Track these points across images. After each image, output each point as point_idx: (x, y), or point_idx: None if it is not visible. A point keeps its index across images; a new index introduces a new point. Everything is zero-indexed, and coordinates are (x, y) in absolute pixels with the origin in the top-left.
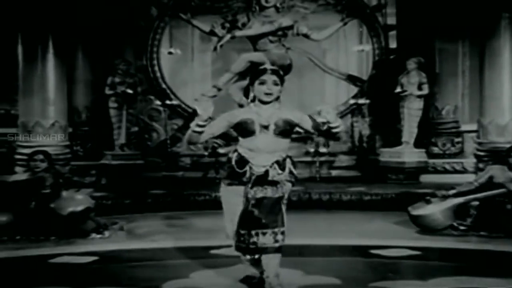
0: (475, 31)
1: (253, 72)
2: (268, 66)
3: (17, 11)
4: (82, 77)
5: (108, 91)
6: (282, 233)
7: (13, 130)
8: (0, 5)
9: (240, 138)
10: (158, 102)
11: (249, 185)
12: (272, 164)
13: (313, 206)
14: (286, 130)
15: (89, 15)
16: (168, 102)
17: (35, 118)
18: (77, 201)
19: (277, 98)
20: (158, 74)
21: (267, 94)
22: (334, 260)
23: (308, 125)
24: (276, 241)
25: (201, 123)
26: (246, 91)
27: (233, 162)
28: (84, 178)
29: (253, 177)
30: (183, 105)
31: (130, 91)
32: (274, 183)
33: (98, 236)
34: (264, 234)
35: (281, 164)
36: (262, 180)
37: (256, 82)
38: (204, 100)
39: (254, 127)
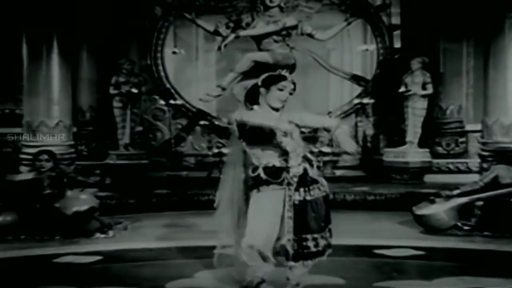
0: (480, 30)
1: (272, 76)
2: (287, 74)
3: (21, 11)
4: (87, 76)
5: (112, 91)
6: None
7: (17, 130)
8: (5, 5)
9: (252, 147)
10: (162, 102)
11: (292, 188)
12: (304, 162)
13: None
14: (299, 129)
15: (94, 15)
16: (172, 101)
17: (40, 117)
18: (81, 200)
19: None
20: (163, 74)
21: (282, 101)
22: (339, 260)
23: (309, 120)
24: (328, 245)
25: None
26: (250, 94)
27: (264, 176)
28: (88, 178)
29: (294, 178)
30: (187, 105)
31: (134, 90)
32: (316, 182)
33: (103, 235)
34: (322, 237)
35: (310, 161)
36: (304, 181)
37: (274, 87)
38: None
39: (277, 132)
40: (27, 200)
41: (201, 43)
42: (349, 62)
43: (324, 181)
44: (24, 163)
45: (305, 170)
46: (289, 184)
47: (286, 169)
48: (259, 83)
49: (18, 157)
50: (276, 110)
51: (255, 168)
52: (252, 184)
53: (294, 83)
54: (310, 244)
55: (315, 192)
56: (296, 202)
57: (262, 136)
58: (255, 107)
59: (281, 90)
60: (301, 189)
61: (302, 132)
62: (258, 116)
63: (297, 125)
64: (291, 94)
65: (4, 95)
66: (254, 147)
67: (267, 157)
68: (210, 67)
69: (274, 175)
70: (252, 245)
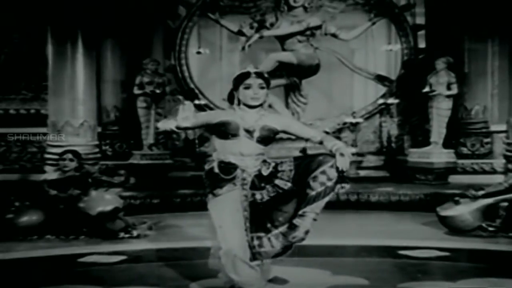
0: (505, 30)
1: (236, 76)
2: (251, 69)
3: (46, 11)
4: (111, 76)
5: (136, 91)
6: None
7: (43, 130)
8: (30, 5)
9: (217, 142)
10: (186, 102)
11: (247, 188)
12: (261, 164)
13: (341, 207)
14: (269, 138)
15: (118, 15)
16: (196, 101)
17: (65, 117)
18: (106, 201)
19: (263, 103)
20: (187, 74)
21: (253, 98)
22: (362, 261)
23: (298, 130)
24: (289, 244)
25: (175, 129)
26: (230, 96)
27: (217, 170)
28: (113, 178)
29: (248, 178)
30: (211, 105)
31: (158, 90)
32: (270, 182)
33: (127, 235)
34: (277, 235)
35: (269, 164)
36: (263, 179)
37: (241, 87)
38: (187, 109)
39: (238, 131)
40: (53, 200)
41: (225, 43)
42: (373, 62)
43: (281, 182)
44: (49, 163)
45: (259, 171)
46: (243, 184)
47: (241, 168)
48: (232, 87)
49: (43, 157)
50: (253, 107)
51: (210, 162)
52: (207, 184)
53: (263, 77)
54: (265, 242)
55: (275, 188)
56: (259, 197)
57: (224, 132)
58: (235, 107)
59: (247, 88)
60: (255, 190)
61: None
62: (227, 113)
63: (279, 132)
64: (263, 88)
65: (29, 95)
66: (219, 141)
67: (226, 153)
68: (234, 67)
69: (227, 171)
70: (229, 251)
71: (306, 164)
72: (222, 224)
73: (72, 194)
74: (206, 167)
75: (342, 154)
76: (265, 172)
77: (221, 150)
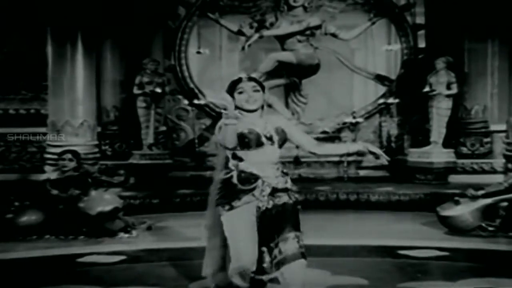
0: (504, 30)
1: (229, 84)
2: (242, 75)
3: (46, 11)
4: (111, 76)
5: (136, 91)
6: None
7: (42, 130)
8: (30, 6)
9: (240, 153)
10: (186, 102)
11: (265, 199)
12: (281, 173)
13: (340, 206)
14: (285, 140)
15: (118, 15)
16: (196, 101)
17: (64, 117)
18: (105, 200)
19: (262, 107)
20: (186, 74)
21: (248, 101)
22: (362, 261)
23: (293, 132)
24: (300, 246)
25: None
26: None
27: (236, 181)
28: (112, 178)
29: (269, 189)
30: (211, 105)
31: (158, 90)
32: (286, 190)
33: (126, 235)
34: (286, 240)
35: (285, 173)
36: (275, 190)
37: (235, 93)
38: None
39: (261, 139)
40: (52, 200)
41: (225, 43)
42: (373, 62)
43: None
44: (49, 162)
45: (278, 184)
46: (262, 195)
47: (263, 179)
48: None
49: (43, 156)
50: (252, 111)
51: (228, 172)
52: (222, 194)
53: (255, 80)
54: (277, 251)
55: (284, 198)
56: (269, 206)
57: (247, 142)
58: (239, 115)
59: (241, 93)
60: (271, 197)
61: (325, 132)
62: (240, 125)
63: (284, 130)
64: (258, 91)
65: (29, 95)
66: (242, 152)
67: (249, 163)
68: (233, 67)
69: (248, 181)
70: (242, 268)
71: None
72: (238, 238)
73: (72, 194)
74: (222, 176)
75: (370, 151)
76: (284, 184)
77: (245, 160)
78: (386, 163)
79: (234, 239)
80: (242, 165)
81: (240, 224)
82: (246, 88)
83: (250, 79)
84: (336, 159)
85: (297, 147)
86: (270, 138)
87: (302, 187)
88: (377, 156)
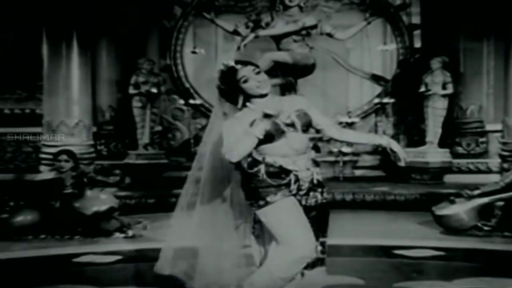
0: (500, 30)
1: (224, 79)
2: (230, 63)
3: (41, 10)
4: (106, 76)
5: (132, 91)
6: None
7: (38, 130)
8: (25, 5)
9: (263, 147)
10: (182, 102)
11: (301, 193)
12: (313, 165)
13: (336, 206)
14: (308, 123)
15: (113, 14)
16: (191, 101)
17: (60, 117)
18: (101, 200)
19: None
20: (182, 74)
21: (259, 86)
22: (358, 260)
23: (314, 114)
24: (324, 252)
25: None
26: (231, 98)
27: (265, 176)
28: (108, 178)
29: (306, 185)
30: (207, 105)
31: (154, 90)
32: (322, 185)
33: (122, 235)
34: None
35: (316, 163)
36: (312, 184)
37: (240, 84)
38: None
39: (280, 127)
40: (48, 199)
41: (221, 42)
42: (369, 62)
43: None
44: (44, 162)
45: (312, 175)
46: (299, 191)
47: (294, 174)
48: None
49: (38, 156)
50: (265, 96)
51: (255, 164)
52: (252, 190)
53: (250, 63)
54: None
55: (323, 196)
56: (312, 204)
57: (268, 136)
58: (249, 105)
59: (246, 81)
60: (311, 193)
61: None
62: (248, 114)
63: (305, 111)
64: (260, 72)
65: (24, 95)
66: (265, 146)
67: (274, 156)
68: None
69: (278, 176)
70: (304, 259)
71: None
72: (290, 224)
73: (67, 193)
74: (249, 170)
75: (392, 150)
76: (317, 176)
77: (269, 152)
78: (403, 165)
79: (287, 227)
80: (269, 159)
81: (290, 214)
82: (248, 75)
83: (244, 63)
84: (332, 159)
85: (317, 131)
86: (291, 125)
87: None
88: (395, 156)
